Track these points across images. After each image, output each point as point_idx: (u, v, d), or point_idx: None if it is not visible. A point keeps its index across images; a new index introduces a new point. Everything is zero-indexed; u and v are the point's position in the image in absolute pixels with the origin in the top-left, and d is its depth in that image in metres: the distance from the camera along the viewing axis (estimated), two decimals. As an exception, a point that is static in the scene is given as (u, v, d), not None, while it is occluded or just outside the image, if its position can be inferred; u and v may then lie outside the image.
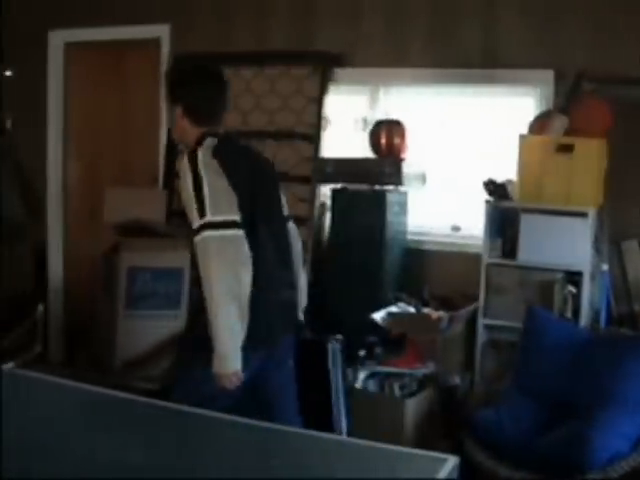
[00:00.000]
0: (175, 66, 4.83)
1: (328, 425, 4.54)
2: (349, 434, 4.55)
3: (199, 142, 3.64)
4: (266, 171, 3.92)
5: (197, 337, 3.61)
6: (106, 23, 7.00)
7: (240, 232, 3.46)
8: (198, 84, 3.78)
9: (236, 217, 3.47)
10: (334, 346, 4.70)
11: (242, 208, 3.50)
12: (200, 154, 3.54)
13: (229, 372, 3.42)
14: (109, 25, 7.01)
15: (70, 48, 7.39)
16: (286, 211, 4.02)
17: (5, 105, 7.17)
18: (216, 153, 3.55)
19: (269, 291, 3.62)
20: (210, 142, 3.63)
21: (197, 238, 3.46)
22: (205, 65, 4.01)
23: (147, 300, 5.66)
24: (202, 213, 3.44)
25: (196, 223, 3.46)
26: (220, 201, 3.46)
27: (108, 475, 2.23)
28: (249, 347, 3.48)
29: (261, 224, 3.62)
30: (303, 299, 4.10)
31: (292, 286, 3.91)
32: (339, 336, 4.80)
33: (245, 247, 3.46)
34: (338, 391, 4.70)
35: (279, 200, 3.96)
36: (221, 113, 3.84)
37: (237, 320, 3.42)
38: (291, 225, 4.06)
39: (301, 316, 4.11)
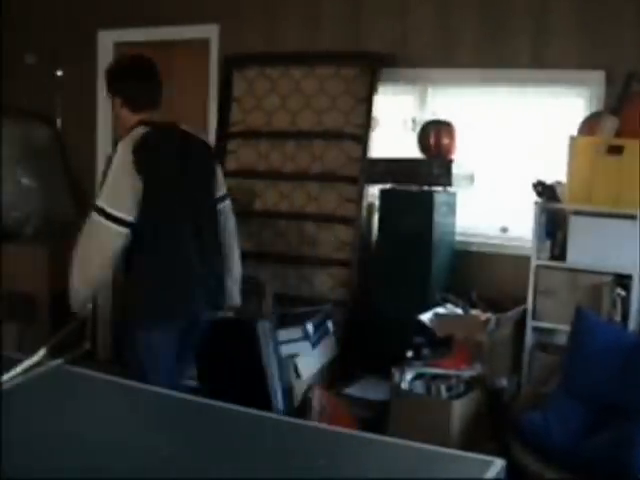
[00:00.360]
0: (113, 62, 5.05)
1: (265, 405, 4.69)
2: (286, 414, 4.65)
3: (130, 131, 4.03)
4: (195, 158, 4.22)
5: (127, 321, 4.25)
6: (155, 23, 7.05)
7: (123, 230, 3.89)
8: (132, 75, 4.21)
9: (126, 216, 3.87)
10: (264, 325, 4.72)
11: (147, 201, 3.90)
12: (121, 148, 3.93)
13: (74, 308, 4.07)
14: (158, 25, 7.05)
15: (119, 48, 7.44)
16: (221, 192, 4.38)
17: (56, 105, 7.24)
18: (137, 147, 3.91)
19: (164, 279, 4.06)
20: (138, 132, 3.99)
21: (90, 214, 3.92)
22: (137, 56, 4.40)
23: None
24: (99, 198, 3.90)
25: (96, 201, 3.91)
26: (119, 197, 3.87)
27: (151, 470, 2.25)
28: (151, 322, 4.04)
29: (168, 216, 4.05)
30: (234, 276, 4.52)
31: (205, 273, 4.19)
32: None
33: (118, 244, 3.91)
34: (272, 370, 4.75)
35: (206, 186, 4.29)
36: (154, 99, 4.22)
37: (81, 285, 4.02)
38: (225, 204, 4.41)
39: (235, 298, 4.55)
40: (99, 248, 3.92)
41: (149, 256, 4.05)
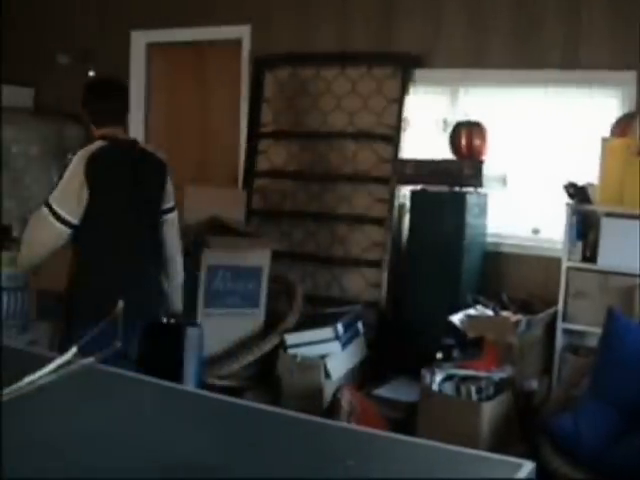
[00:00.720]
0: (87, 80, 5.50)
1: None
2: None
3: (90, 142, 4.41)
4: (145, 173, 4.52)
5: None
6: (187, 24, 7.08)
7: (65, 229, 4.23)
8: (97, 95, 4.61)
9: (70, 218, 4.22)
10: (193, 331, 4.76)
11: (91, 209, 4.23)
12: (76, 158, 4.26)
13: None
14: (190, 26, 7.08)
15: (152, 48, 7.49)
16: (169, 204, 4.61)
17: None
18: (90, 159, 4.24)
19: (95, 277, 4.37)
20: (95, 145, 4.33)
21: (40, 207, 4.27)
22: (106, 78, 4.93)
23: (226, 298, 5.69)
24: (51, 195, 4.25)
25: (48, 197, 4.25)
26: (67, 200, 4.21)
27: (181, 470, 2.26)
28: (82, 320, 4.01)
29: (110, 225, 4.37)
30: (174, 284, 4.73)
31: (142, 281, 4.45)
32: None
33: (58, 241, 4.28)
34: (188, 376, 4.76)
35: (154, 199, 4.56)
36: (117, 117, 4.55)
37: (23, 260, 4.58)
38: (170, 216, 4.64)
39: (175, 304, 4.75)
40: (40, 241, 4.35)
41: (89, 259, 4.42)
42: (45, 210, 4.24)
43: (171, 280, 4.73)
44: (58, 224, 4.23)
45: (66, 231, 4.26)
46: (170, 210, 4.66)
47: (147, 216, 4.56)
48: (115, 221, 4.41)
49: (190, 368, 4.83)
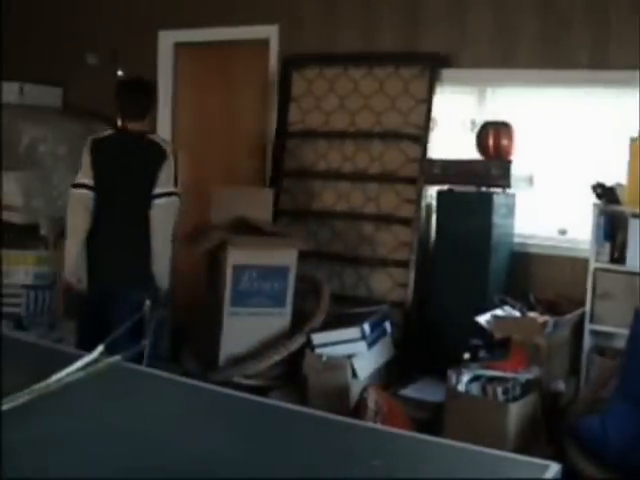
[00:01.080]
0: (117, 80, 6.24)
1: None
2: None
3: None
4: (140, 158, 5.15)
5: None
6: (215, 24, 7.10)
7: (84, 191, 5.06)
8: (121, 93, 5.40)
9: (86, 180, 5.07)
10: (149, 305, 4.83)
11: (95, 179, 5.08)
12: (88, 140, 5.22)
13: (66, 279, 5.24)
14: (218, 26, 7.10)
15: (179, 48, 7.51)
16: (162, 189, 5.02)
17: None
18: (96, 141, 5.19)
19: (94, 242, 5.10)
20: (105, 132, 5.32)
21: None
22: (132, 79, 5.57)
23: (252, 298, 5.70)
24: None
25: None
26: (82, 170, 5.11)
27: (207, 469, 2.26)
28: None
29: (103, 199, 5.07)
30: (157, 263, 5.09)
31: (124, 256, 5.10)
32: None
33: (86, 202, 5.05)
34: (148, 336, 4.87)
35: (144, 181, 5.03)
36: (134, 113, 5.21)
37: (73, 247, 5.10)
38: (161, 200, 5.03)
39: (159, 281, 5.09)
40: (77, 206, 5.06)
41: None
42: (71, 190, 5.13)
43: (155, 259, 5.08)
44: (83, 190, 5.05)
45: (87, 193, 5.06)
46: (160, 195, 5.03)
47: (135, 198, 5.07)
48: (105, 199, 5.09)
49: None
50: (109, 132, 5.31)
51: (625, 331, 4.98)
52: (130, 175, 5.10)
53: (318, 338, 5.50)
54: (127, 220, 5.10)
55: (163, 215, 5.06)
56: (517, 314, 5.50)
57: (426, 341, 5.87)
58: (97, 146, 5.15)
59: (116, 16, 7.63)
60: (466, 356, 5.11)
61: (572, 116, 5.97)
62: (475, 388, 4.89)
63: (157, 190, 5.01)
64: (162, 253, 5.10)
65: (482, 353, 5.15)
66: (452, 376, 4.91)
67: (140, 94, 5.31)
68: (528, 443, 4.73)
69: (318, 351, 5.45)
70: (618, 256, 5.35)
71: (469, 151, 6.02)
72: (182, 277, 7.07)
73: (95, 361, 2.98)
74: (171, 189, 5.06)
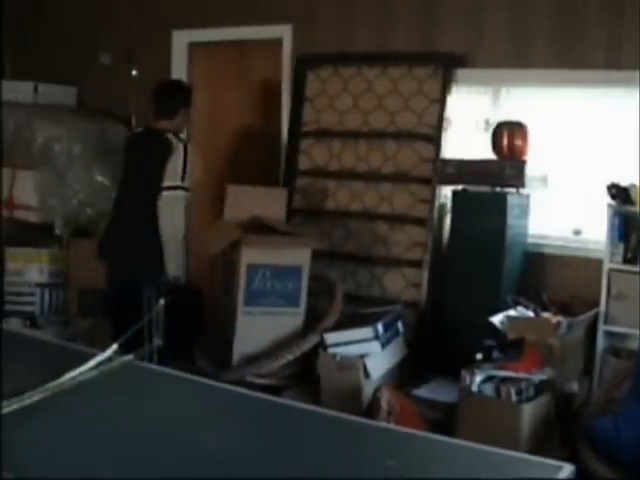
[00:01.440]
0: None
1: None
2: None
3: None
4: (151, 151, 5.57)
5: None
6: (229, 24, 7.10)
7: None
8: (153, 94, 5.74)
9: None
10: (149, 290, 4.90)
11: (122, 172, 5.81)
12: (126, 136, 6.26)
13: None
14: (232, 26, 7.10)
15: (193, 48, 7.53)
16: (167, 183, 5.38)
17: (130, 104, 7.33)
18: (127, 137, 6.12)
19: (110, 222, 5.81)
20: (135, 130, 6.14)
21: None
22: (165, 81, 6.13)
23: (266, 297, 5.70)
24: None
25: None
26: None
27: (218, 468, 2.27)
28: None
29: (124, 183, 5.77)
30: (167, 251, 5.42)
31: (131, 242, 5.52)
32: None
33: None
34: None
35: (152, 175, 5.42)
36: (161, 112, 5.63)
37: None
38: (167, 194, 5.39)
39: (169, 267, 5.43)
40: None
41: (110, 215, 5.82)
42: None
43: (166, 247, 5.41)
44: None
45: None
46: (167, 188, 5.39)
47: (146, 190, 5.43)
48: (127, 187, 5.69)
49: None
50: (139, 129, 5.91)
51: (639, 332, 4.98)
52: (142, 168, 5.57)
53: (331, 338, 5.49)
54: (139, 211, 5.49)
55: (168, 207, 5.39)
56: (531, 314, 5.49)
57: (439, 341, 5.87)
58: (127, 142, 5.99)
59: (130, 16, 7.65)
60: (479, 356, 5.11)
61: (587, 116, 5.95)
62: (488, 389, 4.88)
63: (165, 183, 5.38)
64: (169, 243, 5.41)
65: (495, 353, 5.15)
66: (465, 376, 4.91)
67: (169, 95, 5.73)
68: (541, 444, 4.73)
69: (331, 351, 5.44)
70: (632, 257, 5.33)
71: (483, 151, 6.01)
72: (197, 275, 7.09)
73: (108, 360, 2.99)
74: (177, 183, 5.41)
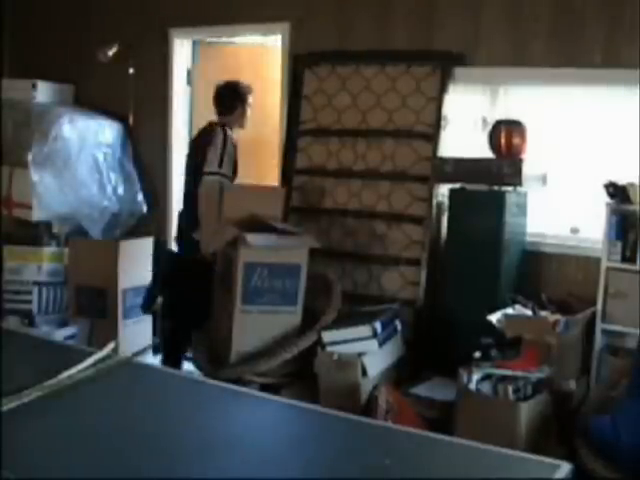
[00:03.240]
0: None
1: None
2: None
3: None
4: (198, 140, 6.41)
5: None
6: (227, 22, 7.11)
7: None
8: (214, 94, 6.40)
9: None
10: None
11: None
12: None
13: None
14: (230, 24, 7.11)
15: (190, 46, 7.53)
16: (208, 169, 6.02)
17: (128, 101, 7.34)
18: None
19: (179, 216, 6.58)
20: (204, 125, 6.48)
21: None
22: (219, 85, 6.44)
23: (263, 296, 5.69)
24: None
25: None
26: None
27: (214, 465, 2.27)
28: None
29: (186, 169, 6.51)
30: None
31: (184, 221, 6.37)
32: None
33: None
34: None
35: (198, 157, 6.15)
36: (219, 111, 6.34)
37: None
38: (206, 178, 6.02)
39: (203, 245, 6.00)
40: None
41: None
42: None
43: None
44: None
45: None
46: (206, 174, 6.00)
47: (195, 174, 6.09)
48: (187, 174, 6.45)
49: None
50: (204, 125, 6.44)
51: (637, 330, 4.99)
52: (192, 156, 6.39)
53: (329, 336, 5.49)
54: (189, 195, 6.27)
55: (202, 191, 6.01)
56: (528, 313, 5.50)
57: (437, 340, 5.87)
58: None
59: (128, 14, 7.65)
60: (477, 355, 5.11)
61: (585, 115, 5.95)
62: (486, 387, 4.89)
63: (204, 169, 6.01)
64: (202, 222, 6.02)
65: (493, 352, 5.15)
66: (463, 375, 4.92)
67: (224, 94, 6.34)
68: (539, 442, 4.73)
69: (329, 349, 5.44)
70: (630, 255, 5.34)
71: (481, 150, 6.01)
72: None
73: (106, 358, 2.99)
74: (214, 169, 6.01)
